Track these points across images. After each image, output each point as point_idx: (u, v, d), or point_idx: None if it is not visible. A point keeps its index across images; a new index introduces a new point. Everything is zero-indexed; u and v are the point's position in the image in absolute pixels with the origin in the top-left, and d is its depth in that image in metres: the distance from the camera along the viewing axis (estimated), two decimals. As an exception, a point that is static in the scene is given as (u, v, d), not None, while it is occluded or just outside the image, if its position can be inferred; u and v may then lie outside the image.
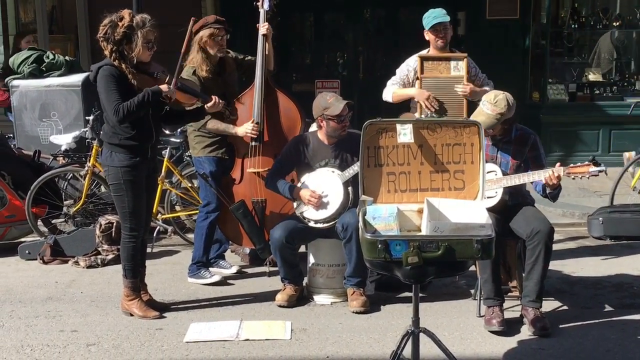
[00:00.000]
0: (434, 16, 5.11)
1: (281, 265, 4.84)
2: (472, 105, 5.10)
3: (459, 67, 5.05)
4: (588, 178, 4.31)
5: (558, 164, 4.29)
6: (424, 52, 5.24)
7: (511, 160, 4.45)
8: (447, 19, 5.12)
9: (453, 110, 5.02)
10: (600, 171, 4.21)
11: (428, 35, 5.19)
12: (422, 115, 5.01)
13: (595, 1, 10.24)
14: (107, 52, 4.34)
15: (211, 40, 5.04)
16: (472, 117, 4.35)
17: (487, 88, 5.17)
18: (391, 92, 5.28)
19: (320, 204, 4.72)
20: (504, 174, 4.40)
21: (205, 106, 4.69)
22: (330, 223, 4.72)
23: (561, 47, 9.97)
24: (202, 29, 5.06)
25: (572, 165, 4.31)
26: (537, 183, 4.38)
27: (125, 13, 4.34)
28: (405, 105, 5.39)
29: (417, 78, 5.13)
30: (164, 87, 4.33)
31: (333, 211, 4.70)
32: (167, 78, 4.46)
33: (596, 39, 10.15)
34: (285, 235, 4.71)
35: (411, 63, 5.24)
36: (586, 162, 4.26)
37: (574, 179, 4.32)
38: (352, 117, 4.86)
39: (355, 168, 4.62)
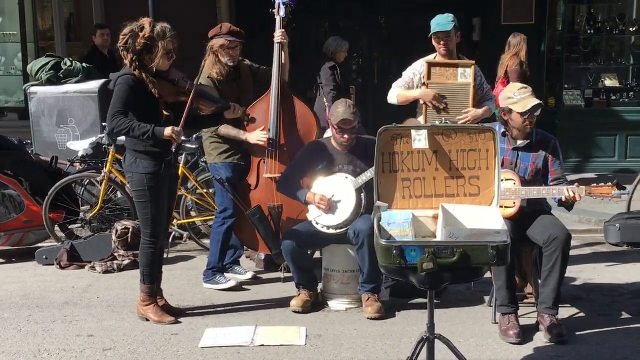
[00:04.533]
0: (437, 23, 5.10)
1: (294, 270, 4.85)
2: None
3: (466, 75, 5.02)
4: (610, 200, 4.30)
5: (576, 184, 4.27)
6: (431, 58, 5.22)
7: (531, 165, 4.44)
8: (448, 28, 5.05)
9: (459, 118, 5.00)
10: (623, 195, 4.21)
11: (433, 41, 5.19)
12: (436, 121, 4.98)
13: (611, 6, 10.18)
14: (127, 62, 4.36)
15: (222, 50, 5.08)
16: (515, 109, 4.36)
17: (487, 106, 5.11)
18: (396, 94, 5.27)
19: (331, 210, 4.73)
20: (522, 179, 4.39)
21: (225, 113, 4.71)
22: (343, 229, 4.72)
23: (577, 53, 9.93)
24: (215, 38, 5.10)
25: (594, 185, 4.29)
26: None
27: (146, 23, 4.35)
28: (412, 110, 5.38)
29: (424, 83, 5.11)
30: (168, 130, 4.30)
31: (345, 217, 4.71)
32: (188, 85, 4.49)
33: (612, 45, 10.10)
34: (296, 241, 4.72)
35: (417, 67, 5.23)
36: (609, 184, 4.25)
37: (595, 198, 4.31)
38: (367, 123, 4.87)
39: (368, 175, 4.63)
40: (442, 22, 5.09)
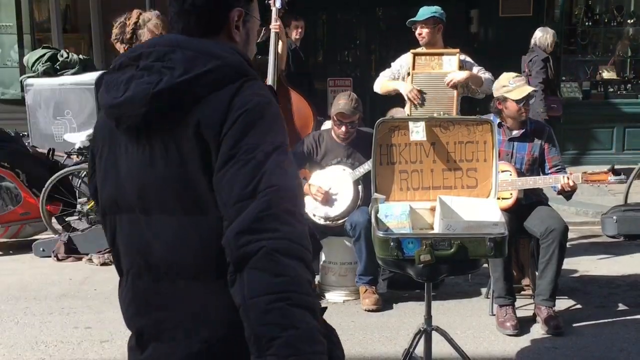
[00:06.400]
0: (418, 14, 5.11)
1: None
2: (463, 101, 5.07)
3: (451, 63, 5.01)
4: (606, 186, 4.30)
5: (570, 172, 4.27)
6: (419, 49, 5.21)
7: (527, 155, 4.44)
8: (421, 18, 5.05)
9: (443, 106, 4.95)
10: (619, 180, 4.20)
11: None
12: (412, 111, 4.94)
13: (609, -2, 10.19)
14: (121, 52, 4.38)
15: None
16: (510, 96, 4.37)
17: (483, 74, 5.00)
18: (380, 83, 5.26)
19: (328, 202, 4.72)
20: (518, 170, 4.39)
21: None
22: (339, 221, 4.72)
23: (575, 45, 9.92)
24: None
25: (590, 172, 4.29)
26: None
27: (134, 13, 4.40)
28: (396, 100, 5.36)
29: (408, 74, 5.09)
30: None
31: (342, 209, 4.70)
32: None
33: (610, 37, 10.09)
34: None
35: (405, 59, 5.20)
36: (605, 170, 4.24)
37: (591, 185, 4.30)
38: (364, 115, 4.86)
39: (366, 167, 4.62)
40: (421, 12, 5.11)
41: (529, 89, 4.41)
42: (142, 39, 4.35)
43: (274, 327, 1.43)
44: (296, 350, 1.42)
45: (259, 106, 1.57)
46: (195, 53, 1.61)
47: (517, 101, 4.35)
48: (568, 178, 4.18)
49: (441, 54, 5.03)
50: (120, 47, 4.38)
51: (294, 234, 1.50)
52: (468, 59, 5.13)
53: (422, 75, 5.02)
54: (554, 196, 4.56)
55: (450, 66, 4.97)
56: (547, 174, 4.44)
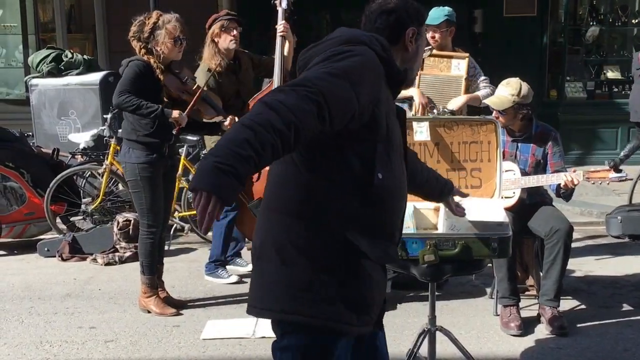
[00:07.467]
0: (429, 16, 5.07)
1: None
2: (469, 106, 5.07)
3: (459, 67, 4.98)
4: (608, 184, 4.29)
5: (573, 169, 4.27)
6: (427, 48, 5.18)
7: (530, 157, 4.43)
8: (436, 22, 5.01)
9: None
10: (620, 178, 4.18)
11: None
12: (434, 110, 4.93)
13: (613, -2, 10.17)
14: (137, 50, 4.45)
15: (222, 32, 5.05)
16: (485, 101, 4.38)
17: (479, 93, 5.00)
18: None
19: None
20: (523, 171, 4.38)
21: (223, 124, 4.70)
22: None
23: (579, 45, 9.90)
24: (215, 23, 5.10)
25: (591, 169, 4.28)
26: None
27: (154, 13, 4.50)
28: None
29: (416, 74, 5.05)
30: (176, 113, 4.38)
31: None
32: (195, 85, 4.55)
33: (615, 37, 10.07)
34: None
35: None
36: (606, 167, 4.23)
37: (593, 183, 4.29)
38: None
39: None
40: (434, 15, 5.06)
41: (492, 100, 4.34)
42: (159, 39, 4.39)
43: (225, 136, 1.84)
44: (221, 146, 1.79)
45: (335, 52, 2.08)
46: (336, 33, 2.23)
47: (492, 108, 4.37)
48: (572, 177, 4.17)
49: (451, 57, 5.01)
50: (137, 45, 4.43)
51: (290, 102, 1.85)
52: (476, 65, 5.11)
53: (430, 76, 5.01)
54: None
55: (459, 70, 4.94)
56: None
